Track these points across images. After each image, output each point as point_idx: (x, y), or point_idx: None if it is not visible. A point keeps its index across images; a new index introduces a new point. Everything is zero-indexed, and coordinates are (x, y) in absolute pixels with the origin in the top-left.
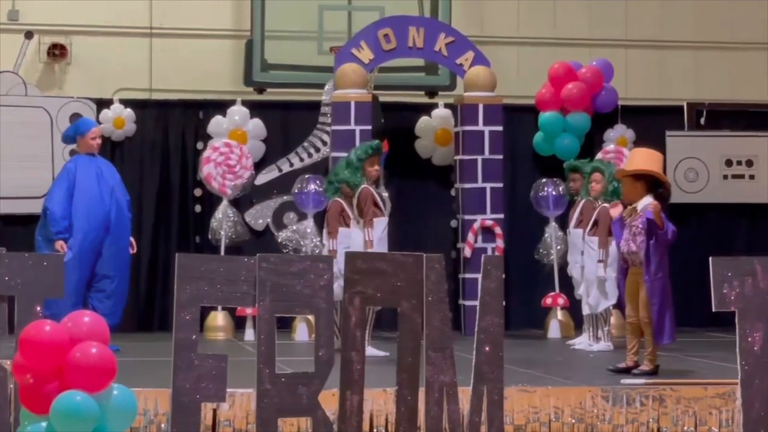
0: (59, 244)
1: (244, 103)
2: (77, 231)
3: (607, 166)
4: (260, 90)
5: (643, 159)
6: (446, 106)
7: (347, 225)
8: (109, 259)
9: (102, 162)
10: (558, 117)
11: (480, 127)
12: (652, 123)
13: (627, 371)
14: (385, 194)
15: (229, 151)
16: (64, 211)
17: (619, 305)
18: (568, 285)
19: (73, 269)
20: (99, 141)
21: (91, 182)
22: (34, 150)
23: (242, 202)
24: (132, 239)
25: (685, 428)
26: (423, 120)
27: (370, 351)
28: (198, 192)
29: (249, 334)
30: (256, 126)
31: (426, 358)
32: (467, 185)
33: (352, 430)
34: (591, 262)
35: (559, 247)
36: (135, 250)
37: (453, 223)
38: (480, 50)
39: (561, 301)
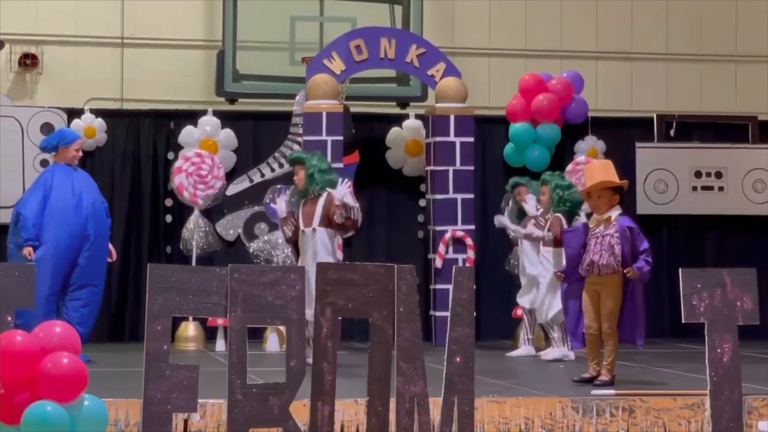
0: (27, 251)
1: (216, 113)
2: (50, 240)
3: (552, 177)
4: (232, 100)
5: (611, 170)
6: (417, 117)
7: None
8: (87, 268)
9: (79, 172)
10: (528, 128)
11: (451, 138)
12: (622, 134)
13: (592, 381)
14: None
15: (201, 162)
16: (36, 219)
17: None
18: None
19: (44, 278)
20: (81, 154)
21: (66, 193)
22: (4, 159)
23: (213, 212)
24: (112, 248)
25: None
26: (394, 131)
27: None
28: (169, 202)
29: (220, 344)
30: (227, 136)
31: (397, 368)
32: (438, 196)
33: None
34: (547, 272)
35: None
36: (114, 259)
37: (420, 234)
38: (451, 61)
39: None
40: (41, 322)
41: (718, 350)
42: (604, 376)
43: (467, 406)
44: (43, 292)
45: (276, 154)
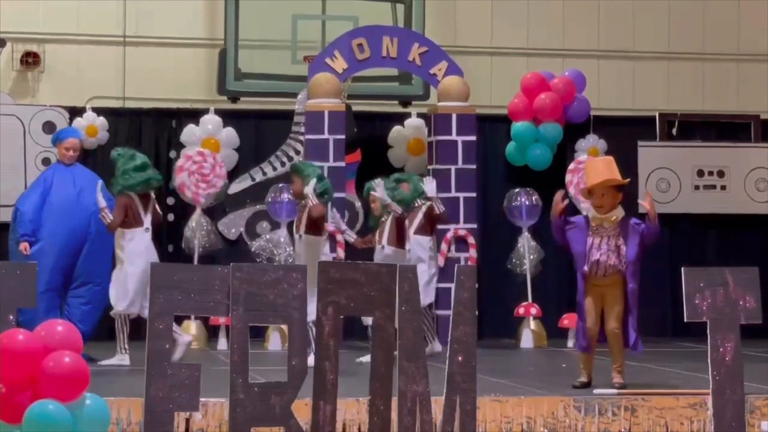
0: (23, 246)
1: (218, 112)
2: (48, 236)
3: (378, 185)
4: (234, 99)
5: (614, 168)
6: (419, 115)
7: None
8: (88, 265)
9: (80, 169)
10: (530, 127)
11: (453, 136)
12: (624, 133)
13: (588, 385)
14: (358, 204)
15: (203, 160)
16: (33, 215)
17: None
18: (540, 295)
19: (41, 273)
20: (72, 153)
21: (67, 190)
22: (6, 158)
23: (215, 211)
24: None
25: None
26: (396, 129)
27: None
28: (171, 201)
29: (222, 343)
30: (230, 135)
31: (399, 367)
32: (440, 195)
33: None
34: (421, 263)
35: (532, 257)
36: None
37: None
38: (453, 60)
39: (534, 310)
40: (43, 318)
41: (721, 349)
42: (619, 379)
43: (469, 405)
44: (40, 287)
45: (278, 153)
